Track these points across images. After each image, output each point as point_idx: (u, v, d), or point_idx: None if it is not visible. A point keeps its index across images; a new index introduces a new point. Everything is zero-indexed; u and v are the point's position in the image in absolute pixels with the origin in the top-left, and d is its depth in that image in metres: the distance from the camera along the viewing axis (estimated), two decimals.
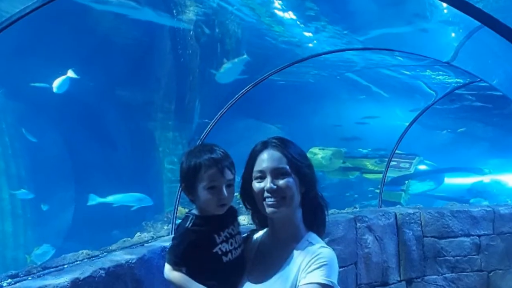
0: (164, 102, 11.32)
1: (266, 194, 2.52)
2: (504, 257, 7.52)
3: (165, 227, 6.84)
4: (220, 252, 2.56)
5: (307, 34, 8.67)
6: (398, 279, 7.09)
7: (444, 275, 7.32)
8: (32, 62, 8.97)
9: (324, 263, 2.41)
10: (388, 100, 13.36)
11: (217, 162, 2.55)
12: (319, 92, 13.60)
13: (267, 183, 2.52)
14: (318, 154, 14.88)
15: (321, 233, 2.67)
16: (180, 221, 2.73)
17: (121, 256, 4.03)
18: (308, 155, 2.75)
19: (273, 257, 2.58)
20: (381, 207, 7.97)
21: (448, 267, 7.34)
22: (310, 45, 8.99)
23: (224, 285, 2.58)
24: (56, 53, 9.20)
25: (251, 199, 2.63)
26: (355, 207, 8.05)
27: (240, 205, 2.77)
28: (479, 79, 7.72)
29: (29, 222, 10.46)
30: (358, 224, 6.72)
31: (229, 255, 2.59)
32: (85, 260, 4.07)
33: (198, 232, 2.56)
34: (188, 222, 2.59)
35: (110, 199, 9.49)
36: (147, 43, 10.36)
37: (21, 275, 3.59)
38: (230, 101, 5.72)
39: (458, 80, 9.29)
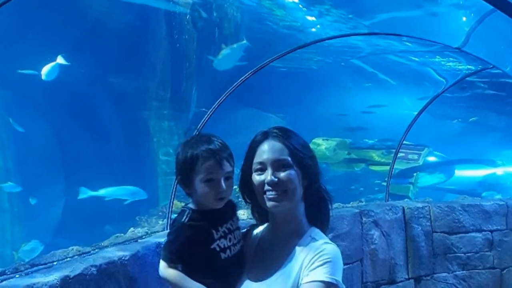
0: (159, 90, 11.29)
1: (266, 187, 2.51)
2: None
3: (160, 222, 6.86)
4: (218, 249, 2.56)
5: (310, 18, 8.64)
6: (406, 276, 7.11)
7: (454, 273, 7.34)
8: (19, 48, 8.93)
9: (328, 260, 2.41)
10: (395, 88, 13.30)
11: (215, 154, 2.54)
12: (322, 79, 13.56)
13: (267, 176, 2.51)
14: (321, 145, 14.87)
15: (324, 229, 2.67)
16: (175, 215, 2.72)
17: (114, 253, 4.04)
18: (311, 146, 2.75)
19: (274, 253, 2.58)
20: (388, 201, 7.98)
21: (459, 264, 7.36)
22: (313, 29, 8.94)
23: (222, 283, 2.57)
24: (45, 38, 9.16)
25: (251, 193, 2.63)
26: (361, 201, 8.06)
27: (239, 199, 2.76)
28: (491, 66, 7.72)
29: (17, 217, 10.45)
30: (364, 219, 6.73)
31: (228, 251, 2.58)
32: (76, 257, 4.08)
33: (195, 227, 2.55)
34: (184, 217, 2.59)
35: (102, 192, 9.46)
36: (141, 27, 10.30)
37: (8, 273, 3.60)
38: (229, 89, 5.72)
39: (469, 66, 9.28)
